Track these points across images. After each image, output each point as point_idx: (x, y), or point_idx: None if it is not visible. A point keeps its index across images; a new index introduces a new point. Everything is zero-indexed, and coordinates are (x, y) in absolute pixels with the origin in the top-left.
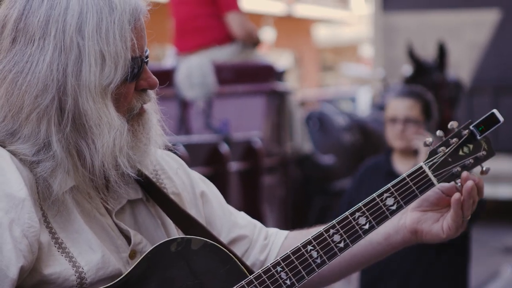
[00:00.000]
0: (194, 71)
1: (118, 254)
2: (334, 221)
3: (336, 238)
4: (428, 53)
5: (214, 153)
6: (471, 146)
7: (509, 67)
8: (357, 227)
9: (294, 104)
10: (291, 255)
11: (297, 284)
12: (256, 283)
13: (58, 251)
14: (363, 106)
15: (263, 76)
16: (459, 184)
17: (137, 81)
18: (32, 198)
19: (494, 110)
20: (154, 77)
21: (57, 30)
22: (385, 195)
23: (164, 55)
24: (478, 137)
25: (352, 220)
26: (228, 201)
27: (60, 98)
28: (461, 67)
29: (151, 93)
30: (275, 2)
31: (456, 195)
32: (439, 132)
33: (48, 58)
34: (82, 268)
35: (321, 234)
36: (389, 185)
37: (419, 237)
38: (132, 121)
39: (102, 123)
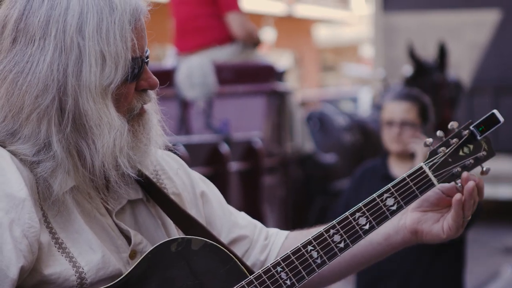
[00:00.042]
0: (195, 71)
1: (118, 254)
2: (334, 221)
3: (336, 238)
4: (428, 53)
5: (214, 153)
6: (471, 146)
7: (509, 67)
8: (357, 227)
9: (294, 104)
10: (291, 255)
11: (297, 284)
12: (256, 283)
13: (59, 251)
14: (365, 106)
15: (263, 76)
16: (460, 184)
17: (137, 81)
18: (33, 198)
19: (495, 111)
20: (154, 77)
21: (57, 30)
22: (385, 195)
23: (164, 55)
24: (478, 138)
25: (353, 221)
26: (228, 201)
27: (60, 98)
28: (462, 67)
29: (152, 93)
30: (276, 2)
31: (457, 195)
32: (439, 133)
33: (48, 58)
34: (83, 268)
35: (321, 234)
36: (389, 185)
37: (419, 237)
38: (132, 121)
39: (102, 123)
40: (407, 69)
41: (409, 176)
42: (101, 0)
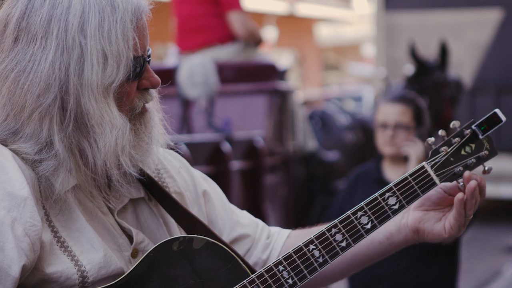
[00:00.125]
0: (196, 70)
1: (120, 253)
2: (336, 220)
3: (338, 237)
4: (430, 53)
5: (216, 152)
6: (473, 145)
7: (511, 67)
8: (359, 227)
9: (296, 103)
10: (293, 254)
11: (299, 283)
12: (258, 282)
13: (60, 250)
14: (370, 105)
15: (265, 75)
16: (462, 183)
17: (139, 80)
18: (34, 197)
19: (497, 110)
20: (156, 76)
21: (59, 29)
22: (387, 194)
23: (166, 54)
24: (480, 137)
25: (354, 220)
26: (230, 200)
27: (62, 97)
28: (464, 66)
29: (153, 92)
30: (277, 1)
31: (459, 194)
32: (441, 132)
33: (50, 57)
34: (84, 267)
35: (323, 233)
36: (391, 184)
37: (421, 236)
38: (134, 120)
39: (104, 122)
40: (409, 68)
41: (411, 175)
42: None
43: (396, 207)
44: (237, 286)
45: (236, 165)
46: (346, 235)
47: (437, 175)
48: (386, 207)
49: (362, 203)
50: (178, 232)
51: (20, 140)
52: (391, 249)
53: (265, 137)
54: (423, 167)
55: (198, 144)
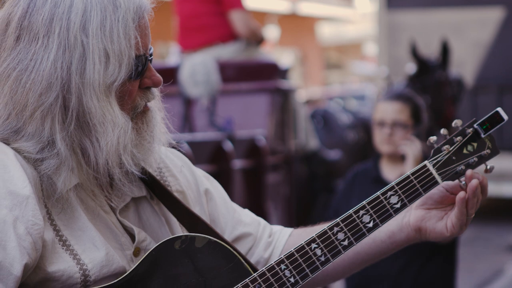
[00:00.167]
0: (198, 69)
1: (122, 252)
2: (338, 219)
3: (340, 236)
4: (432, 51)
5: (218, 151)
6: (475, 144)
7: None
8: (361, 225)
9: (298, 101)
10: (295, 253)
11: (301, 282)
12: (260, 281)
13: (62, 249)
14: (372, 104)
15: (267, 74)
16: (464, 182)
17: (141, 79)
18: (36, 196)
19: (499, 109)
20: (158, 75)
21: (61, 28)
22: (389, 193)
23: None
24: (482, 136)
25: (356, 218)
26: (232, 199)
27: (64, 96)
28: (466, 65)
29: (155, 91)
30: (279, 0)
31: (461, 193)
32: (443, 130)
33: (52, 56)
34: (86, 266)
35: (325, 232)
36: (393, 183)
37: (423, 235)
38: (136, 119)
39: (106, 121)
40: (411, 67)
41: (413, 174)
42: None
43: (398, 206)
44: (239, 285)
45: (238, 164)
46: (348, 234)
47: (439, 174)
48: (388, 206)
49: (364, 202)
50: (180, 230)
51: (22, 139)
52: (393, 248)
53: (267, 136)
54: (425, 165)
55: (200, 143)
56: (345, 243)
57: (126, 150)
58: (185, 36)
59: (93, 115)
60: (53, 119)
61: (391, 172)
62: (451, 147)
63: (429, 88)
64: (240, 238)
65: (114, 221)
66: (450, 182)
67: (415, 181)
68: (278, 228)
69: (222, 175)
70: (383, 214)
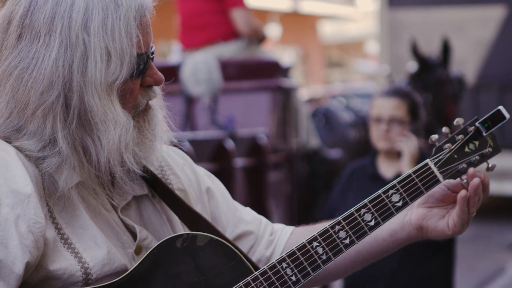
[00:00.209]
0: (200, 67)
1: (123, 250)
2: (339, 217)
3: (342, 234)
4: (433, 50)
5: (219, 149)
6: (477, 142)
7: None
8: (362, 224)
9: (299, 100)
10: (297, 251)
11: (302, 281)
12: (261, 279)
13: (64, 247)
14: None
15: (268, 72)
16: (465, 180)
17: (142, 78)
18: (38, 194)
19: (500, 107)
20: (159, 73)
21: (62, 26)
22: (391, 191)
23: (169, 51)
24: (484, 134)
25: (358, 217)
26: (234, 197)
27: (65, 95)
28: (467, 63)
29: (157, 89)
30: None
31: (462, 192)
32: (445, 129)
33: (53, 54)
34: (88, 264)
35: (326, 231)
36: (394, 181)
37: (425, 233)
38: (137, 117)
39: (107, 119)
40: (412, 65)
41: (414, 172)
42: None
43: (399, 204)
44: (240, 283)
45: (239, 162)
46: (350, 232)
47: (440, 172)
48: (390, 204)
49: (366, 200)
50: (181, 229)
51: (23, 137)
52: (395, 246)
53: (268, 134)
54: (426, 164)
55: (202, 141)
56: (347, 241)
57: (127, 148)
58: (187, 34)
59: (95, 114)
60: (54, 117)
61: (388, 169)
62: (452, 145)
63: (430, 87)
64: (242, 237)
65: (116, 220)
66: (451, 181)
67: (416, 180)
68: (279, 227)
69: (224, 173)
70: (385, 212)
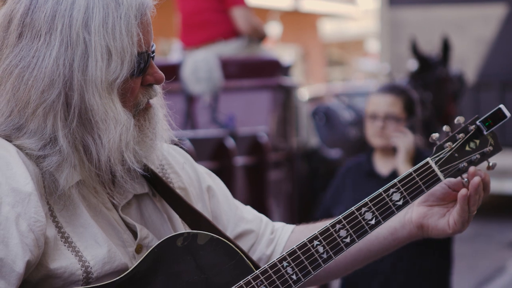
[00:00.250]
0: (200, 65)
1: (124, 249)
2: (340, 216)
3: (343, 233)
4: (434, 48)
5: (220, 147)
6: (477, 141)
7: None
8: (363, 222)
9: (300, 99)
10: (297, 250)
11: (303, 279)
12: (262, 278)
13: (65, 246)
14: None
15: (269, 70)
16: (466, 179)
17: (143, 76)
18: (39, 193)
19: (501, 106)
20: (160, 72)
21: (63, 25)
22: (392, 190)
23: (170, 50)
24: (485, 132)
25: (359, 215)
26: (234, 195)
27: (66, 93)
28: (468, 62)
29: (157, 88)
30: None
31: (463, 190)
32: (445, 127)
33: (54, 53)
34: (88, 263)
35: (327, 229)
36: (395, 180)
37: (425, 232)
38: (138, 116)
39: (108, 118)
40: (413, 64)
41: (415, 171)
42: None
43: (400, 203)
44: (241, 282)
45: (240, 160)
46: (350, 231)
47: (441, 171)
48: (390, 203)
49: (366, 199)
50: (182, 227)
51: (24, 136)
52: (395, 245)
53: (269, 133)
54: (427, 162)
55: (202, 140)
56: (348, 240)
57: (128, 147)
58: (187, 33)
59: (95, 112)
60: (55, 116)
61: (384, 166)
62: (453, 144)
63: (431, 85)
64: (242, 235)
65: (116, 218)
66: (452, 179)
67: (417, 178)
68: (280, 225)
69: (224, 172)
70: (386, 211)
